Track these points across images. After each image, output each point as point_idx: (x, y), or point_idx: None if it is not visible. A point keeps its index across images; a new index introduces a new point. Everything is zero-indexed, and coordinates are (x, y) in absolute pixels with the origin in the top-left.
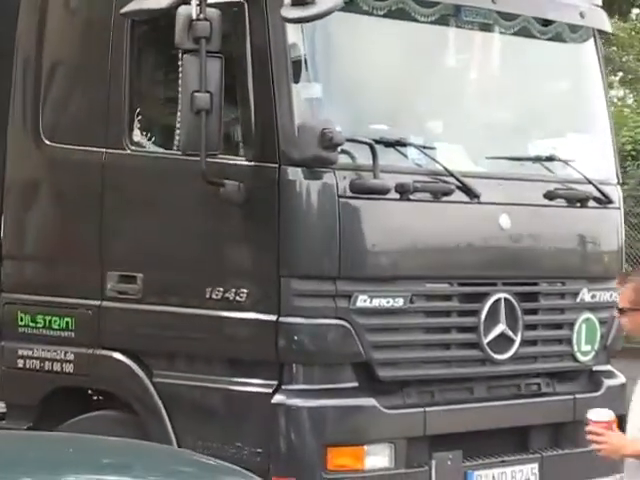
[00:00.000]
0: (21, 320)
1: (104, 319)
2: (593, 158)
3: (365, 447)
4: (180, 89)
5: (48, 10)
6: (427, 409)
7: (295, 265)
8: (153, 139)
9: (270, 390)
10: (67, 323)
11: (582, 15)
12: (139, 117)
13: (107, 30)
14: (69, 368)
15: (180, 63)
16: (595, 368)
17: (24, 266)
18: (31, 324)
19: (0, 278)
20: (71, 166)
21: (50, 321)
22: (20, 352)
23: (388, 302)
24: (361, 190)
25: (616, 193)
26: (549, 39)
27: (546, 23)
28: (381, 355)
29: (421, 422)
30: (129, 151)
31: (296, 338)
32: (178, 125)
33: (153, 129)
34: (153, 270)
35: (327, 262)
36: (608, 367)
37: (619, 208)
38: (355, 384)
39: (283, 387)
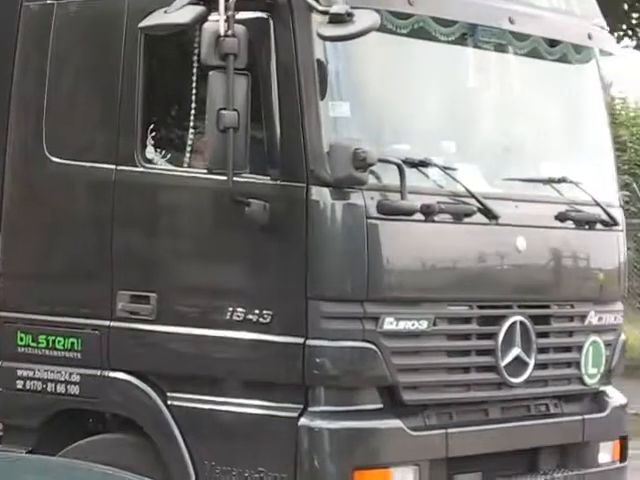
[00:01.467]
0: (21, 340)
1: (114, 340)
2: (597, 180)
3: (392, 469)
4: (206, 106)
5: (53, 20)
6: (449, 431)
7: (324, 287)
8: (168, 156)
9: (296, 414)
10: (72, 343)
11: (590, 36)
12: (152, 133)
13: (118, 43)
14: (75, 390)
15: (194, 78)
16: (599, 389)
17: (24, 285)
18: (32, 344)
19: None
20: (79, 183)
21: (54, 341)
22: (19, 373)
23: (413, 325)
24: (389, 211)
25: (620, 215)
26: (556, 60)
27: (553, 44)
28: (406, 378)
29: (443, 444)
30: (142, 168)
31: (324, 361)
32: (190, 142)
33: (167, 146)
34: (168, 290)
35: (356, 284)
36: (610, 387)
37: (622, 230)
38: (380, 405)
39: (309, 409)
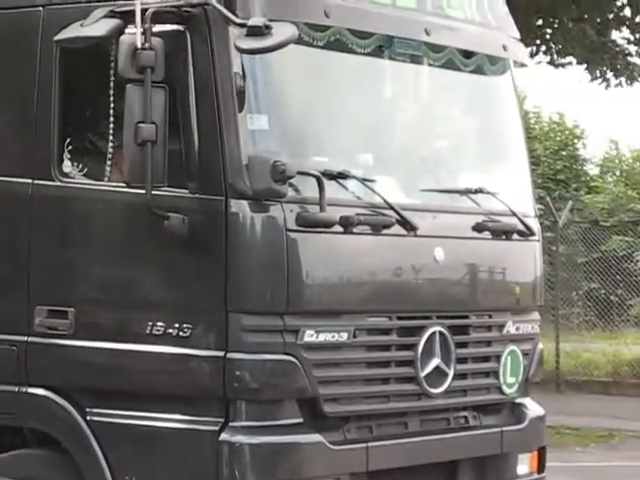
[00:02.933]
0: None
1: (32, 355)
2: (513, 190)
3: None
4: (124, 120)
5: None
6: (369, 444)
7: (243, 300)
8: (85, 170)
9: (217, 428)
10: None
11: (505, 48)
12: (69, 147)
13: (34, 56)
14: None
15: (111, 92)
16: (517, 400)
17: None
18: None
19: None
20: None
21: None
22: None
23: (333, 337)
24: (308, 223)
25: (536, 225)
26: (471, 71)
27: (468, 55)
28: (326, 390)
29: (363, 458)
30: (58, 182)
31: (244, 374)
32: (108, 156)
33: (85, 160)
34: (86, 305)
35: (275, 297)
36: (528, 399)
37: (539, 240)
38: (300, 420)
39: (230, 424)
